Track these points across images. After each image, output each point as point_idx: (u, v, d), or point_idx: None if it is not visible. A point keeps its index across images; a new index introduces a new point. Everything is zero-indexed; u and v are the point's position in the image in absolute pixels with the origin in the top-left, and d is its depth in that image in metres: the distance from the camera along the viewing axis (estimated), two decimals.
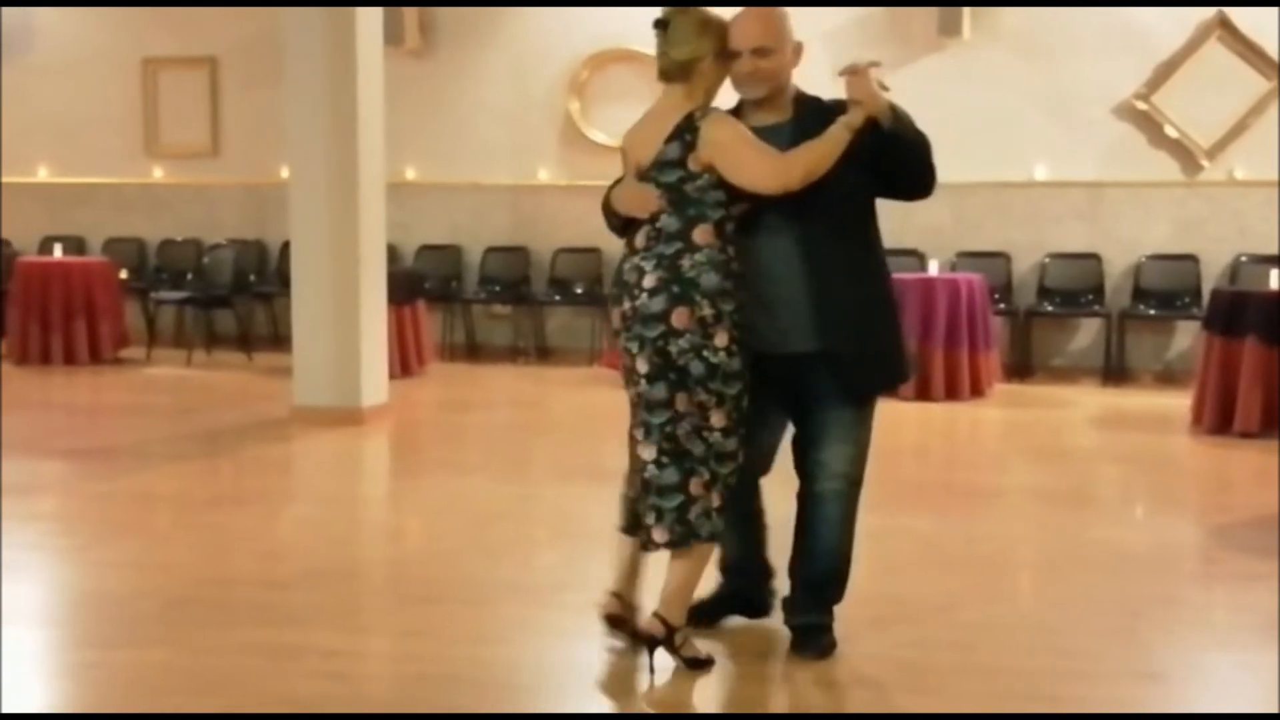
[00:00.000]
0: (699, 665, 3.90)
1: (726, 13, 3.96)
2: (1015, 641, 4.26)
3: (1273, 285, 8.26)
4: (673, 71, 3.90)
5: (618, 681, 3.94)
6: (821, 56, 11.05)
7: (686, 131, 3.81)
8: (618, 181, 4.01)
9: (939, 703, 3.73)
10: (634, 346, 3.83)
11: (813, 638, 4.05)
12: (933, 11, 10.67)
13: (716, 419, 3.81)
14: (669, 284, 3.77)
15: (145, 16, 12.35)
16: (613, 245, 10.71)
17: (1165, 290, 10.38)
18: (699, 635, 3.99)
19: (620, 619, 4.02)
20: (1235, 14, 10.26)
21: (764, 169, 3.76)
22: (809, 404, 3.96)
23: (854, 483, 4.04)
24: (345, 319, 8.24)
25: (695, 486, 3.82)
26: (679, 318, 3.75)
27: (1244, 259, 10.22)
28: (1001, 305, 10.40)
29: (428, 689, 3.81)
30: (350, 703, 3.69)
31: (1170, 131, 10.45)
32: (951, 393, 9.29)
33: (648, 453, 3.85)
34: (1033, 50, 10.67)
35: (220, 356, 11.35)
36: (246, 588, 4.82)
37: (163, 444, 7.76)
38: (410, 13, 11.51)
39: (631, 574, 4.05)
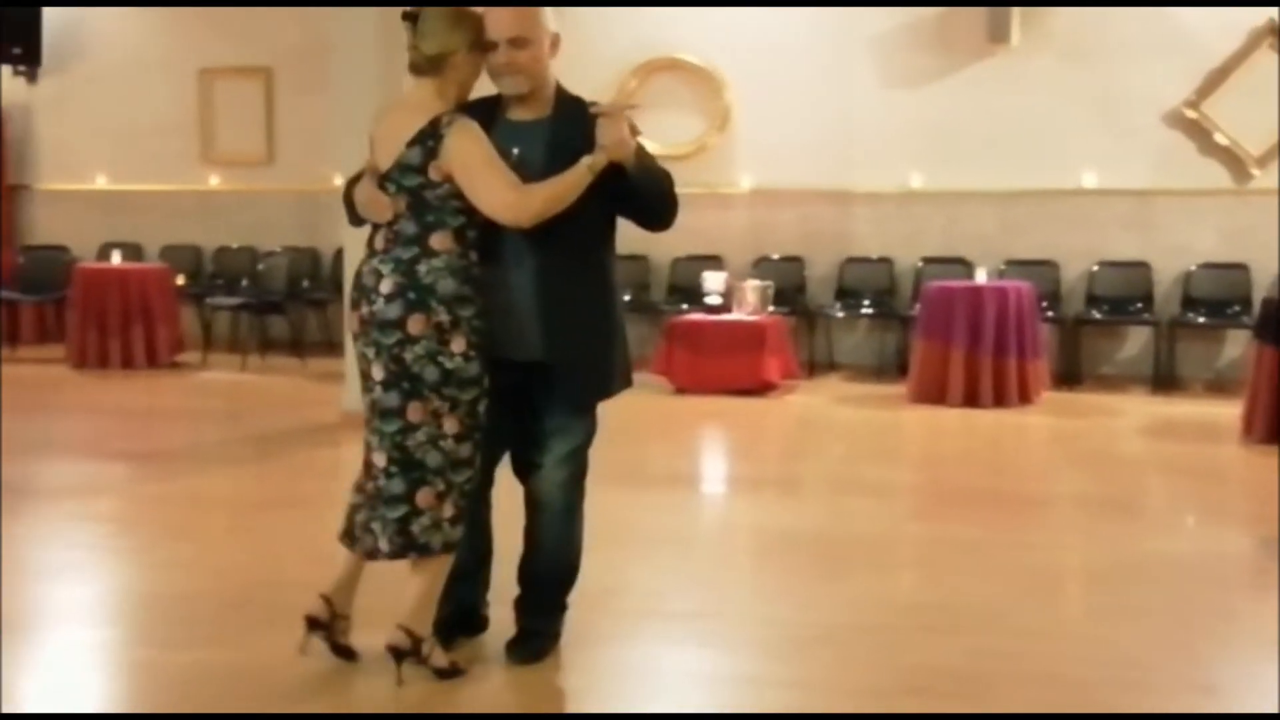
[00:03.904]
0: (449, 674, 3.85)
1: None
2: (1065, 651, 4.25)
3: None
4: (423, 66, 3.81)
5: (663, 682, 3.98)
6: (870, 63, 11.17)
7: (430, 138, 3.71)
8: (361, 174, 3.91)
9: (989, 712, 3.73)
10: (370, 353, 3.77)
11: (526, 642, 4.08)
12: (981, 18, 10.64)
13: (450, 425, 3.74)
14: (405, 290, 3.70)
15: (202, 26, 12.52)
16: (658, 251, 10.87)
17: (1215, 299, 10.31)
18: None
19: (320, 623, 3.91)
20: None
21: (501, 199, 3.69)
22: (532, 410, 3.97)
23: (573, 485, 4.06)
24: None
25: (424, 498, 3.75)
26: (415, 324, 3.69)
27: None
28: (1050, 313, 10.35)
29: (475, 691, 3.86)
30: (395, 704, 3.75)
31: (1220, 139, 10.39)
32: (1000, 400, 9.27)
33: (380, 460, 3.79)
34: (1082, 57, 10.63)
35: (273, 361, 11.46)
36: (299, 590, 4.83)
37: (217, 447, 7.86)
38: None
39: (347, 583, 3.96)
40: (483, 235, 3.80)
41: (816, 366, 10.99)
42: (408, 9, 3.83)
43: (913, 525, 6.21)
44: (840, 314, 11.00)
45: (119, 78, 12.82)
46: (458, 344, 3.72)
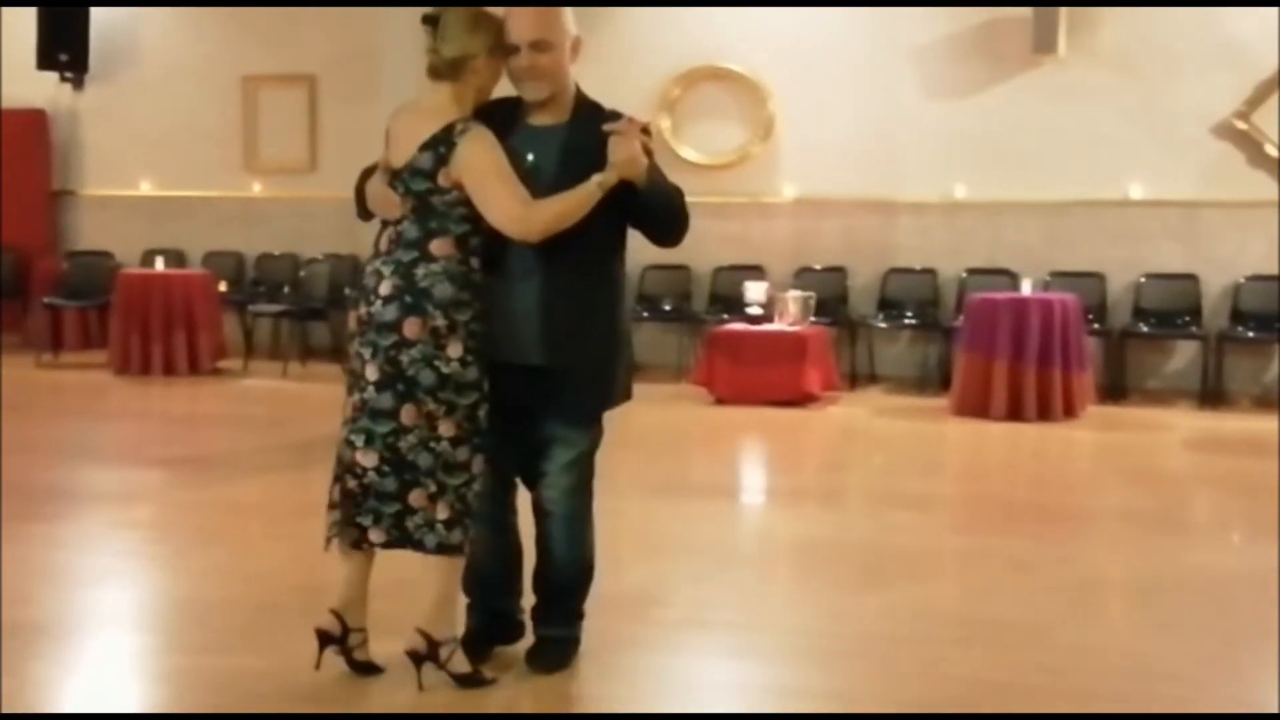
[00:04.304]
0: (471, 682, 3.79)
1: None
2: (1109, 666, 4.19)
3: None
4: (443, 70, 3.76)
5: (702, 692, 3.95)
6: (915, 73, 11.11)
7: (442, 144, 3.69)
8: (374, 167, 3.88)
9: None
10: (366, 353, 3.73)
11: (545, 650, 4.03)
12: (1027, 29, 10.55)
13: (445, 428, 3.70)
14: (403, 293, 3.68)
15: (246, 34, 12.61)
16: (700, 260, 10.84)
17: (1264, 312, 10.17)
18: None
19: (332, 637, 3.84)
20: None
21: (508, 213, 3.66)
22: (535, 417, 3.91)
23: (578, 492, 3.99)
24: None
25: (416, 498, 3.72)
26: (410, 328, 3.67)
27: None
28: (1095, 325, 10.25)
29: (504, 698, 3.83)
30: (419, 708, 3.72)
31: (1270, 150, 10.26)
32: (1044, 413, 9.17)
33: (368, 460, 3.75)
34: (1130, 68, 10.53)
35: (314, 368, 11.49)
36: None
37: (257, 454, 7.88)
38: None
39: (354, 595, 3.89)
40: (491, 246, 3.76)
41: (858, 378, 10.92)
42: (427, 12, 3.79)
43: (954, 538, 6.15)
44: (882, 325, 10.93)
45: (164, 85, 12.91)
46: (454, 349, 3.69)
